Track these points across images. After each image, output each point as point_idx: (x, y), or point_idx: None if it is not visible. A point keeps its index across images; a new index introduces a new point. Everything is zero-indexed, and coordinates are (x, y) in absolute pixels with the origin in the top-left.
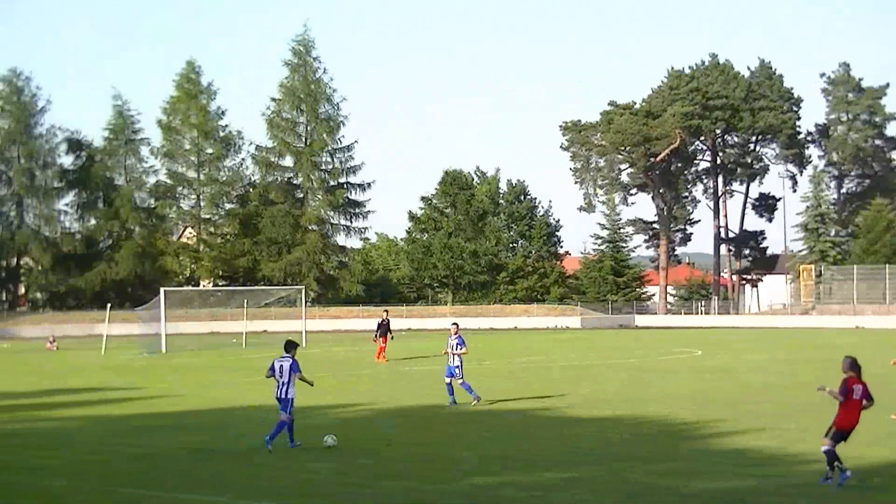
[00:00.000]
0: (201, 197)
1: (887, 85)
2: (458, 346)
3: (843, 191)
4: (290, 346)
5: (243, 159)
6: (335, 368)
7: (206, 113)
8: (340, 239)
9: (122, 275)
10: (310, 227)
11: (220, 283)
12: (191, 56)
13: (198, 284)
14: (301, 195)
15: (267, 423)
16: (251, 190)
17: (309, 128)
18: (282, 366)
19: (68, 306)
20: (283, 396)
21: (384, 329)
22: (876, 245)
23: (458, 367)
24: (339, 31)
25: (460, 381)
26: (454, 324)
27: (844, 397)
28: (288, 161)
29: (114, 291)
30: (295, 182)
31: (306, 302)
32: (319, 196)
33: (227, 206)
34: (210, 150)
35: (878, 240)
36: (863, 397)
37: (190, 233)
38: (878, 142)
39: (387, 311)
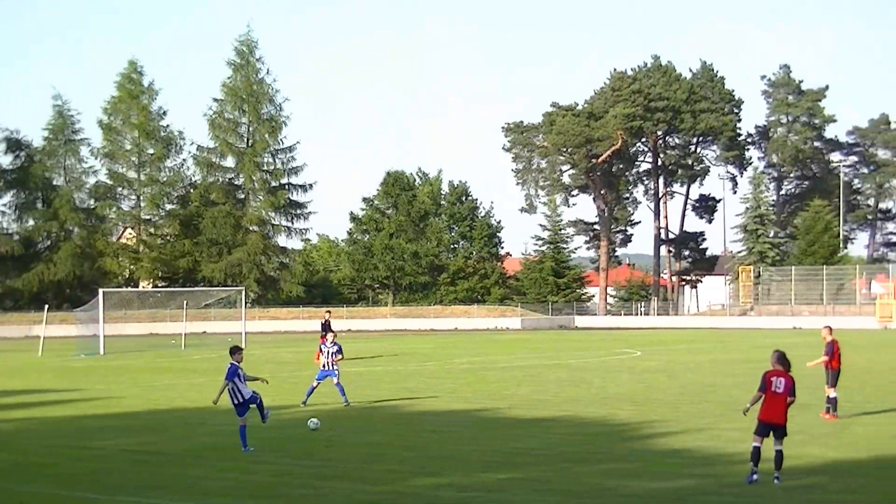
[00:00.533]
0: (142, 198)
1: (826, 87)
2: (337, 354)
3: (783, 192)
4: (231, 351)
5: (184, 160)
6: (275, 370)
7: (148, 113)
8: (282, 240)
9: (60, 276)
10: (251, 228)
11: (159, 284)
12: (133, 55)
13: (137, 285)
14: (242, 196)
15: (207, 426)
16: (192, 190)
17: (251, 128)
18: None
19: (5, 307)
20: (235, 401)
21: (326, 329)
22: (814, 246)
23: (335, 370)
24: (282, 32)
25: (336, 381)
26: (332, 332)
27: (762, 391)
28: (229, 162)
29: (52, 292)
30: (236, 183)
31: (246, 303)
32: (261, 197)
33: (168, 206)
34: (151, 151)
35: (817, 241)
36: (786, 391)
37: (130, 234)
38: (817, 144)
39: (329, 311)
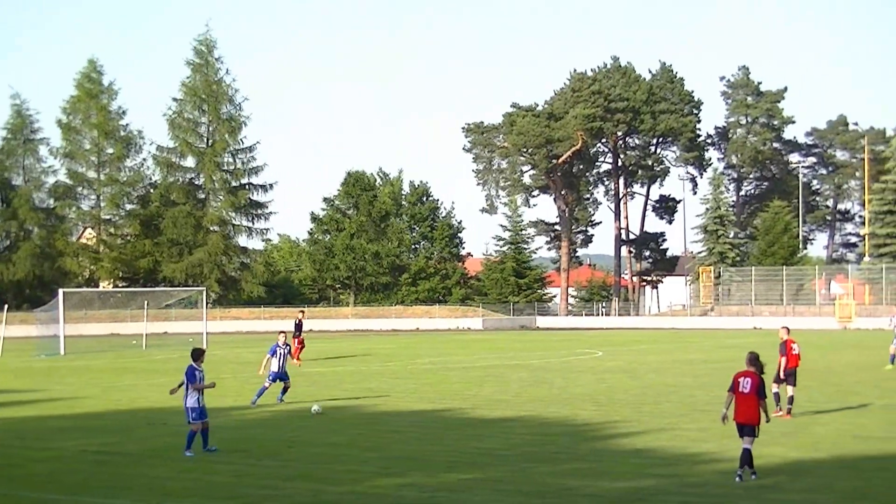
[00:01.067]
0: (101, 197)
1: (785, 89)
2: (288, 356)
3: (742, 193)
4: (193, 355)
5: (144, 160)
6: (237, 370)
7: (107, 113)
8: (242, 240)
9: (20, 276)
10: (211, 228)
11: (120, 285)
12: (92, 55)
13: (98, 286)
14: (203, 196)
15: (169, 426)
16: (152, 190)
17: (211, 128)
18: (203, 375)
19: None
20: (184, 405)
21: (299, 329)
22: (774, 247)
23: (285, 371)
24: (242, 32)
25: (286, 383)
26: (283, 332)
27: (731, 391)
28: (190, 162)
29: (11, 293)
30: (197, 183)
31: (207, 303)
32: (221, 197)
33: (128, 206)
34: (111, 150)
35: (776, 241)
36: (753, 391)
37: (90, 233)
38: (776, 145)
39: (303, 311)
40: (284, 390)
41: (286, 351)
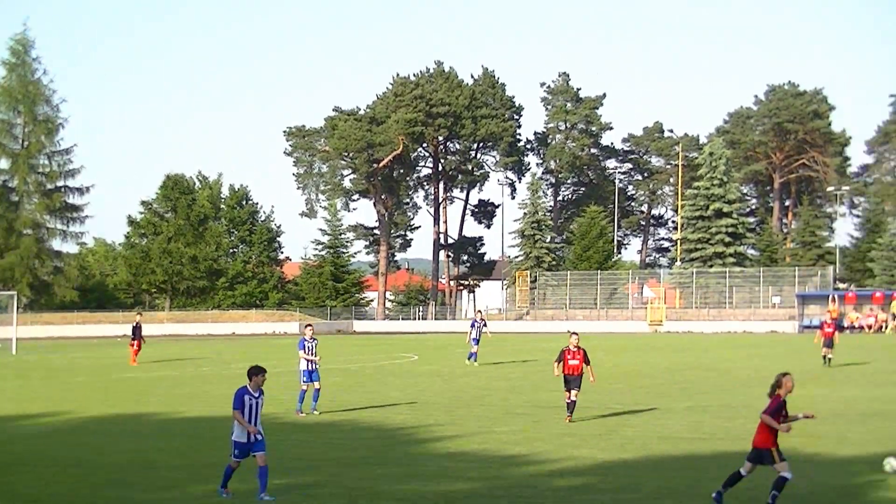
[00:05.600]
0: None
1: (604, 95)
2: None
3: (560, 198)
4: (249, 373)
5: None
6: (47, 376)
7: None
8: (56, 244)
9: None
10: (24, 232)
11: None
12: None
13: None
14: (16, 199)
15: None
16: None
17: (26, 129)
18: (257, 402)
19: None
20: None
21: (138, 333)
22: (589, 251)
23: (317, 370)
24: (60, 33)
25: (317, 386)
26: (309, 325)
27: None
28: (3, 163)
29: None
30: (10, 185)
31: (18, 308)
32: (35, 200)
33: None
34: None
35: (591, 246)
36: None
37: None
38: (593, 150)
39: (140, 313)
40: (316, 395)
41: (315, 344)
